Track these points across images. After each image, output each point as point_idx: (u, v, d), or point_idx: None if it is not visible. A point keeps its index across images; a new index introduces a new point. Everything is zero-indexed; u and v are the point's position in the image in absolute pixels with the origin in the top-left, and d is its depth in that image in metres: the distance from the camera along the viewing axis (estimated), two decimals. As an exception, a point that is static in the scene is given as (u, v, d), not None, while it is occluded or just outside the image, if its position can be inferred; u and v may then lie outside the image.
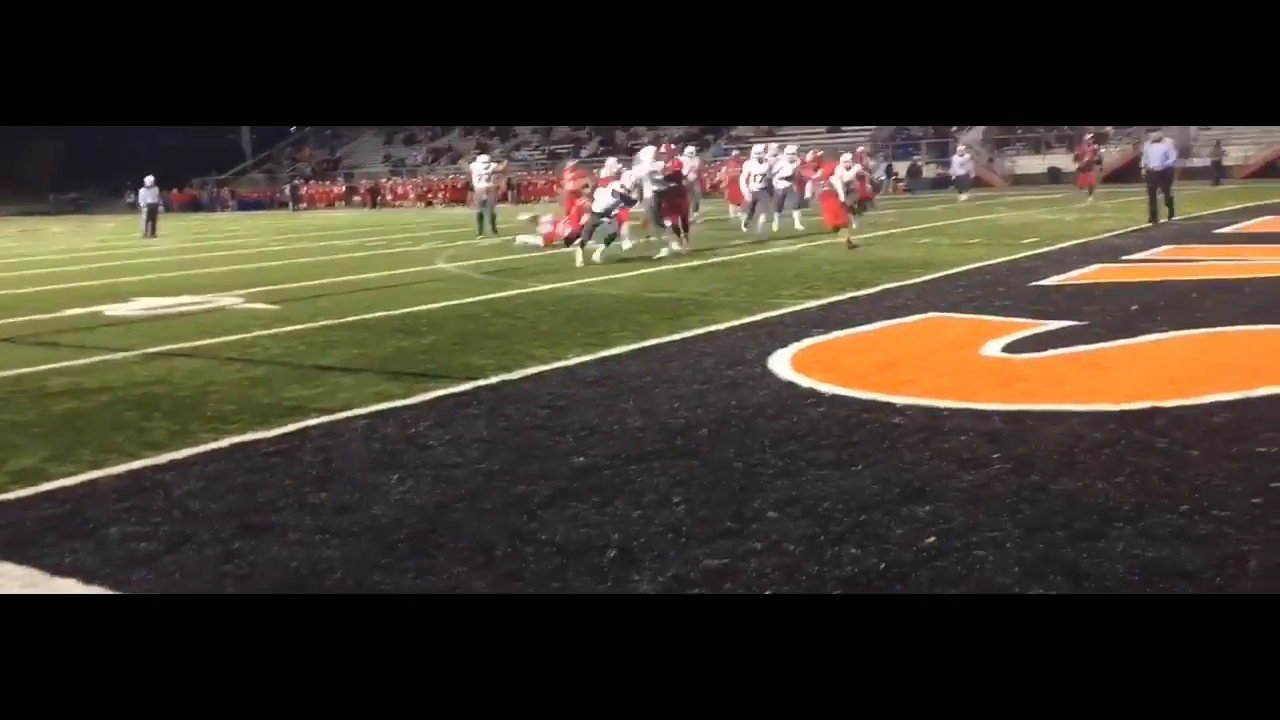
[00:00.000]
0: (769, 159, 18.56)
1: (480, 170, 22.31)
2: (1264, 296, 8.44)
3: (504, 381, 6.53)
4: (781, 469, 4.46)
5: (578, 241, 14.08)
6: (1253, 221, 16.46)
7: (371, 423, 5.55)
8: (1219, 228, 15.73)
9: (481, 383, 6.50)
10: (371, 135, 62.93)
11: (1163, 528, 3.54)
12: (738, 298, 10.11)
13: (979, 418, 5.13)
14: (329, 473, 4.67)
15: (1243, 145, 38.74)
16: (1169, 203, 17.55)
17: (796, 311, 8.97)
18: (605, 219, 14.18)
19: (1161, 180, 17.55)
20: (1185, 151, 39.37)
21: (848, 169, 18.30)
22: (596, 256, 13.90)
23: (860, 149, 25.46)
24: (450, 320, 9.52)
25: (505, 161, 31.76)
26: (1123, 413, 5.05)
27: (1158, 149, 17.77)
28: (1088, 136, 30.25)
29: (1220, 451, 4.37)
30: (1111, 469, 4.21)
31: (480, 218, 21.44)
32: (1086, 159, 28.01)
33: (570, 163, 23.63)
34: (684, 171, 16.74)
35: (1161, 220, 17.14)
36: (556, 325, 8.86)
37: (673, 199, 15.15)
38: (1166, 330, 7.15)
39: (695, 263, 13.80)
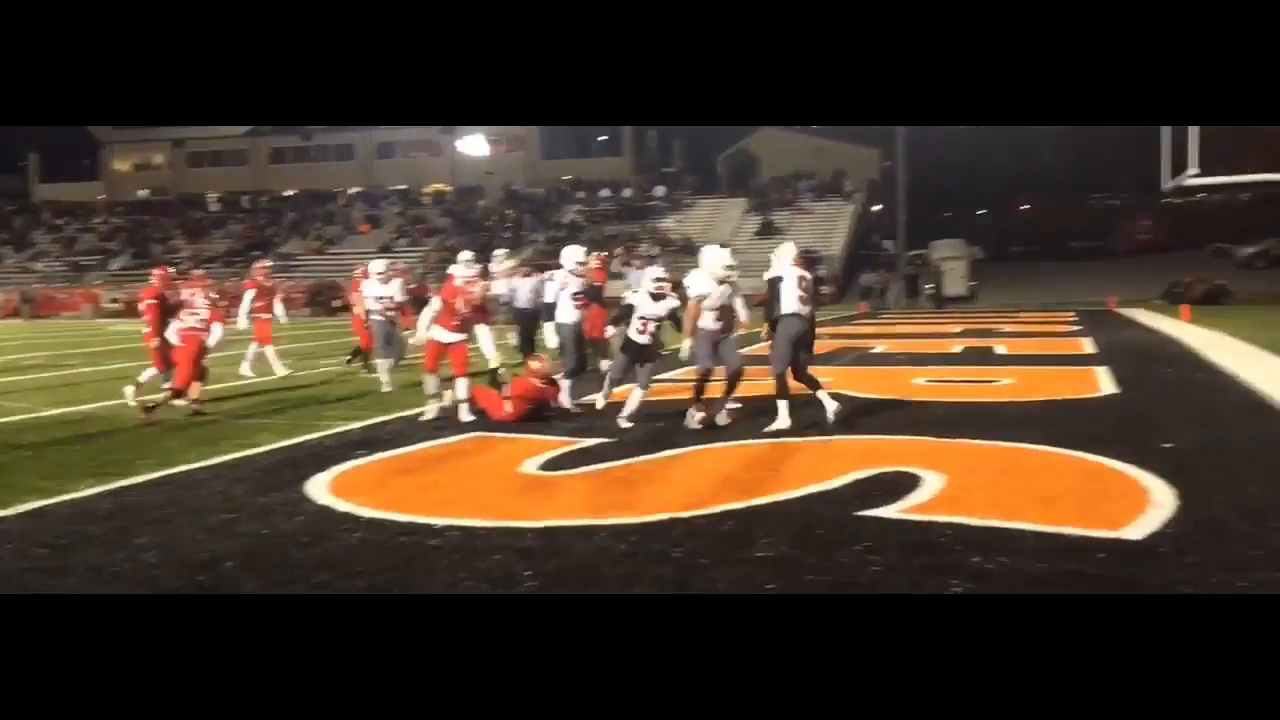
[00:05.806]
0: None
1: None
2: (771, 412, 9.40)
3: (-5, 520, 5.77)
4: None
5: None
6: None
7: None
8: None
9: (-36, 523, 5.70)
10: None
11: (673, 634, 3.77)
12: (279, 420, 9.69)
13: (514, 535, 5.24)
14: None
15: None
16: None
17: (340, 433, 8.75)
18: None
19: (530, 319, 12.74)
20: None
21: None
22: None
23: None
24: (-67, 450, 8.28)
25: None
26: (644, 525, 5.38)
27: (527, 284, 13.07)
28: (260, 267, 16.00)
29: (726, 557, 4.77)
30: (631, 580, 4.45)
31: None
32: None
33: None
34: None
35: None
36: (67, 454, 7.99)
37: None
38: (688, 445, 7.76)
39: (236, 382, 13.13)
